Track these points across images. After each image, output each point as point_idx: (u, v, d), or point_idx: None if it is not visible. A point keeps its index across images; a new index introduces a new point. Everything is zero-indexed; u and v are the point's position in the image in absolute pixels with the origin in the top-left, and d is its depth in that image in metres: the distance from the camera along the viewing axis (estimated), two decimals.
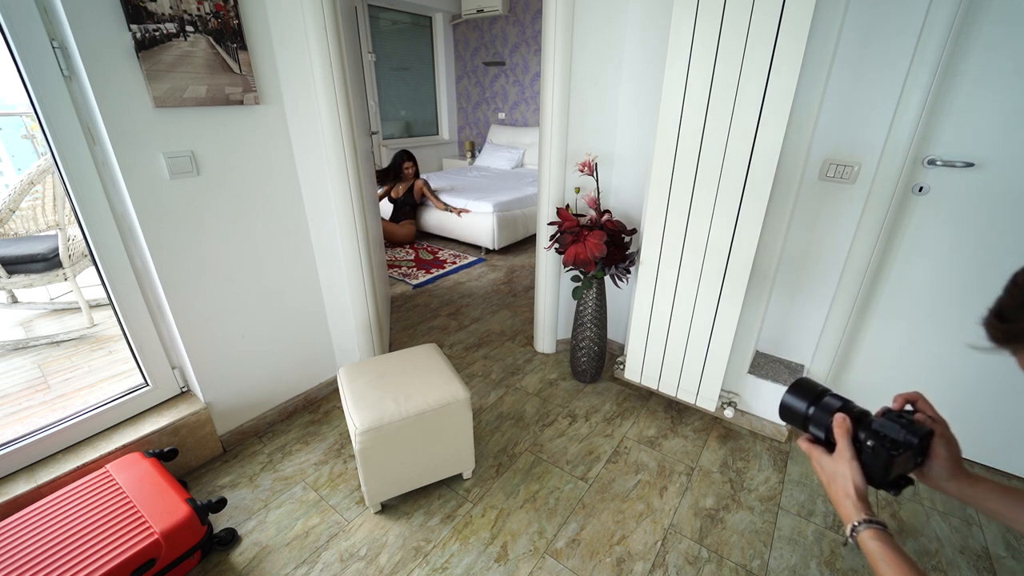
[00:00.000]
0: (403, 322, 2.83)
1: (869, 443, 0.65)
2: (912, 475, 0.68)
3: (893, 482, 0.66)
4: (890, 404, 0.72)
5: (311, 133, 1.70)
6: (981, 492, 0.67)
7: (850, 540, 0.64)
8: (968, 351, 1.60)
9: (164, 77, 1.32)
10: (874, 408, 0.70)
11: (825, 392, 0.73)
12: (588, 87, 1.96)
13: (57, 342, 2.26)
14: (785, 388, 1.85)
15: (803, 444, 0.74)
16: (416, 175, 4.22)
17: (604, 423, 1.98)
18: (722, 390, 1.91)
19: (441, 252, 4.04)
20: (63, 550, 1.17)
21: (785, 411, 0.76)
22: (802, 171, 1.57)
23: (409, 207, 4.19)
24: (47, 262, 2.26)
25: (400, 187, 4.19)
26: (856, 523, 0.64)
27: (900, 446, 0.63)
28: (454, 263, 3.77)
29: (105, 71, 1.24)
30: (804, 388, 0.74)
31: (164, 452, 1.53)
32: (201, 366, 1.66)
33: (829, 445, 0.70)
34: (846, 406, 0.70)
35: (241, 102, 1.50)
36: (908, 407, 0.72)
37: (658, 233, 1.71)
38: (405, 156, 4.15)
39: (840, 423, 0.69)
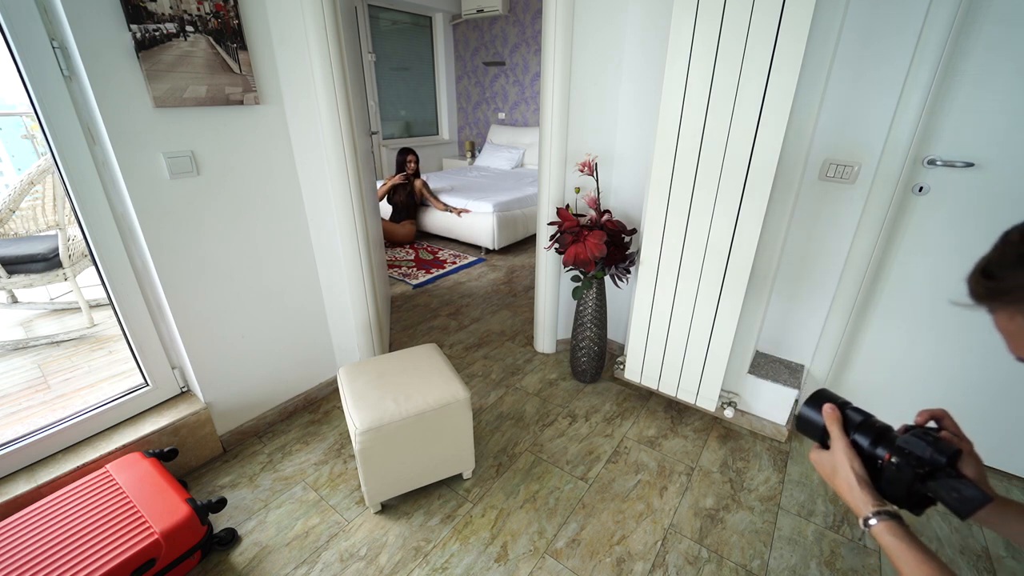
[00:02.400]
0: (403, 322, 2.83)
1: (893, 460, 0.61)
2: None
3: (915, 501, 0.62)
4: (878, 416, 0.69)
5: (311, 133, 1.70)
6: (1011, 514, 0.63)
7: (865, 533, 0.61)
8: (968, 351, 1.60)
9: (164, 77, 1.32)
10: (887, 418, 0.68)
11: (846, 404, 0.70)
12: (588, 87, 1.96)
13: (57, 342, 2.26)
14: (784, 387, 1.86)
15: (812, 454, 0.72)
16: (417, 173, 4.21)
17: (604, 423, 1.98)
18: (722, 390, 1.91)
19: (441, 252, 4.04)
20: (63, 550, 1.17)
21: (802, 423, 0.72)
22: (802, 171, 1.57)
23: (410, 207, 4.19)
24: (47, 262, 2.26)
25: (400, 188, 4.19)
26: (867, 516, 0.61)
27: (926, 464, 0.59)
28: (454, 263, 3.77)
29: (105, 71, 1.24)
30: (823, 400, 0.71)
31: (164, 452, 1.53)
32: (201, 366, 1.66)
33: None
34: (867, 420, 0.67)
35: (241, 102, 1.50)
36: (932, 424, 0.69)
37: (658, 233, 1.71)
38: (407, 151, 4.16)
39: (829, 413, 0.67)
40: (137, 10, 1.24)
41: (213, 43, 1.40)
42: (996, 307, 0.50)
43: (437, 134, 6.23)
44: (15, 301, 2.62)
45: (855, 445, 0.66)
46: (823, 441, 0.71)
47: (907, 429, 0.66)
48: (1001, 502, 0.64)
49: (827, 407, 0.68)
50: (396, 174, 4.19)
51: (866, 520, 0.61)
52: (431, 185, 4.40)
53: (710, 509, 1.58)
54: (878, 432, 0.65)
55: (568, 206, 1.99)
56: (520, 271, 3.66)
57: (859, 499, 0.63)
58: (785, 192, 1.58)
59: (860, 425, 0.67)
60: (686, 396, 1.90)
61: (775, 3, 1.27)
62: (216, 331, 1.66)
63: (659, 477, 1.70)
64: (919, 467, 0.60)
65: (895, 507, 0.61)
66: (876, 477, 0.64)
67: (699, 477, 1.71)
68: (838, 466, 0.66)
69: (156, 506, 1.30)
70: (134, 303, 1.53)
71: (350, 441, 1.81)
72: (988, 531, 1.51)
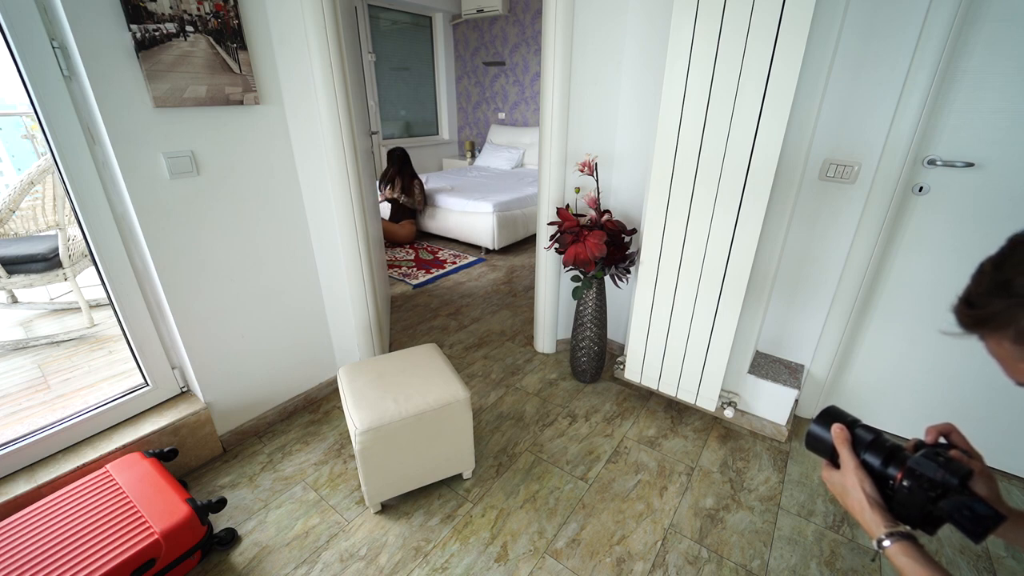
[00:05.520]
0: (403, 322, 2.83)
1: (905, 483, 0.61)
2: None
3: (928, 522, 0.61)
4: (879, 416, 0.69)
5: (311, 133, 1.70)
6: None
7: (879, 554, 0.61)
8: (968, 351, 1.60)
9: (164, 77, 1.32)
10: (869, 420, 0.68)
11: (855, 422, 0.69)
12: (588, 87, 1.96)
13: (57, 342, 2.26)
14: (784, 387, 1.86)
15: (823, 473, 0.71)
16: (409, 175, 4.20)
17: (604, 423, 1.97)
18: (722, 390, 1.91)
19: (441, 252, 4.04)
20: (63, 550, 1.17)
21: (812, 441, 0.72)
22: (802, 171, 1.57)
23: (406, 207, 4.19)
24: (47, 262, 2.26)
25: (395, 188, 4.19)
26: (880, 537, 0.61)
27: (938, 486, 0.59)
28: (454, 263, 3.77)
29: (105, 71, 1.24)
30: (832, 418, 0.70)
31: (164, 452, 1.53)
32: (201, 366, 1.66)
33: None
34: (877, 439, 0.66)
35: (241, 102, 1.50)
36: (941, 439, 0.68)
37: (658, 233, 1.71)
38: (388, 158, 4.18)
39: (838, 434, 0.67)
40: (137, 10, 1.24)
41: (213, 43, 1.40)
42: (984, 334, 0.53)
43: (437, 134, 6.23)
44: (15, 301, 2.62)
45: (866, 465, 0.66)
46: (833, 459, 0.70)
47: (917, 445, 0.65)
48: (1016, 517, 0.64)
49: (836, 427, 0.68)
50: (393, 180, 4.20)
51: (879, 541, 0.61)
52: (427, 186, 4.41)
53: (710, 509, 1.58)
54: (889, 452, 0.65)
55: (568, 206, 1.99)
56: (520, 271, 3.66)
57: (871, 521, 0.63)
58: (785, 192, 1.58)
59: (870, 444, 0.66)
60: (686, 396, 1.90)
61: (775, 3, 1.27)
62: (216, 331, 1.66)
63: (659, 477, 1.70)
64: (931, 489, 0.59)
65: (908, 528, 0.61)
66: (888, 498, 0.64)
67: (699, 477, 1.71)
68: (849, 488, 0.66)
69: (156, 506, 1.30)
70: (134, 303, 1.53)
71: (350, 441, 1.81)
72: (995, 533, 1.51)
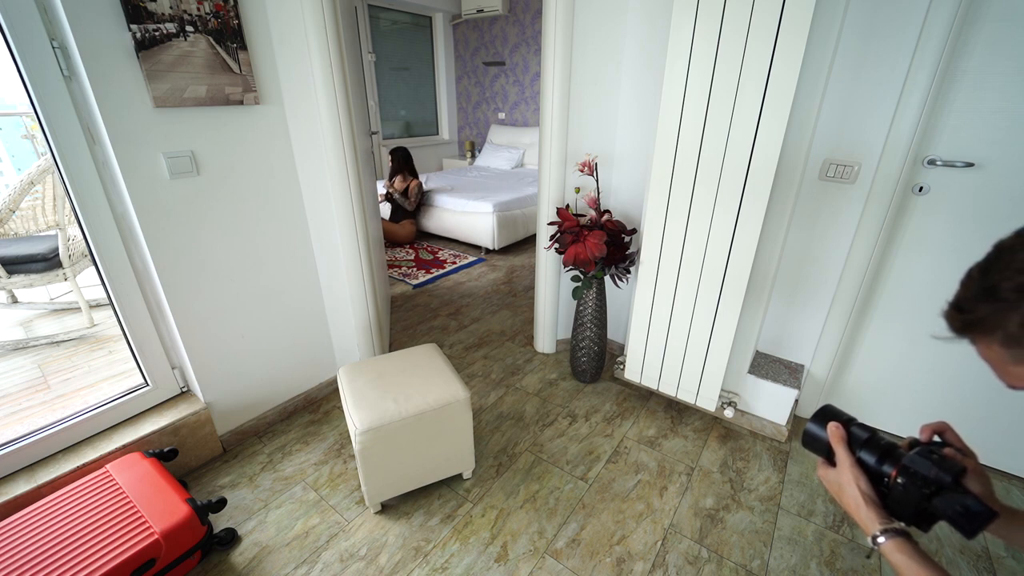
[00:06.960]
0: (403, 322, 2.83)
1: (899, 480, 0.62)
2: None
3: (922, 518, 0.62)
4: (879, 415, 0.70)
5: (311, 133, 1.70)
6: (1020, 524, 0.64)
7: (874, 551, 0.62)
8: (967, 351, 1.60)
9: (164, 77, 1.32)
10: (864, 418, 0.68)
11: (851, 421, 0.70)
12: (588, 87, 1.96)
13: (57, 342, 2.26)
14: (784, 387, 1.86)
15: (819, 471, 0.72)
16: (413, 174, 4.20)
17: (604, 423, 1.97)
18: (722, 390, 1.91)
19: (441, 252, 4.04)
20: (63, 550, 1.17)
21: (808, 439, 0.73)
22: (802, 171, 1.57)
23: (405, 207, 4.19)
24: (47, 262, 2.26)
25: (395, 187, 4.19)
26: (875, 534, 0.62)
27: (932, 484, 0.60)
28: (454, 263, 3.77)
29: (105, 71, 1.24)
30: (828, 416, 0.71)
31: (164, 452, 1.53)
32: (201, 366, 1.66)
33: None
34: (873, 437, 0.67)
35: (241, 102, 1.50)
36: (936, 438, 0.69)
37: (658, 233, 1.71)
38: (392, 151, 4.18)
39: (834, 432, 0.68)
40: (137, 10, 1.24)
41: (213, 43, 1.40)
42: (974, 338, 0.54)
43: (437, 134, 6.23)
44: (15, 301, 2.62)
45: (861, 463, 0.67)
46: (830, 457, 0.71)
47: (912, 444, 0.66)
48: (1009, 514, 0.64)
49: (831, 426, 0.69)
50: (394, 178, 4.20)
51: (874, 538, 0.62)
52: (427, 186, 4.40)
53: (710, 509, 1.58)
54: (884, 450, 0.65)
55: (568, 206, 1.99)
56: (520, 271, 3.66)
57: (866, 517, 0.63)
58: (785, 192, 1.58)
59: (866, 442, 0.67)
60: (686, 396, 1.90)
61: (775, 3, 1.27)
62: (216, 331, 1.66)
63: (659, 477, 1.70)
64: (925, 487, 0.60)
65: (902, 524, 0.62)
66: (883, 495, 0.64)
67: (699, 477, 1.71)
68: (844, 485, 0.66)
69: (156, 506, 1.30)
70: (134, 303, 1.53)
71: (350, 441, 1.81)
72: (988, 530, 1.50)
